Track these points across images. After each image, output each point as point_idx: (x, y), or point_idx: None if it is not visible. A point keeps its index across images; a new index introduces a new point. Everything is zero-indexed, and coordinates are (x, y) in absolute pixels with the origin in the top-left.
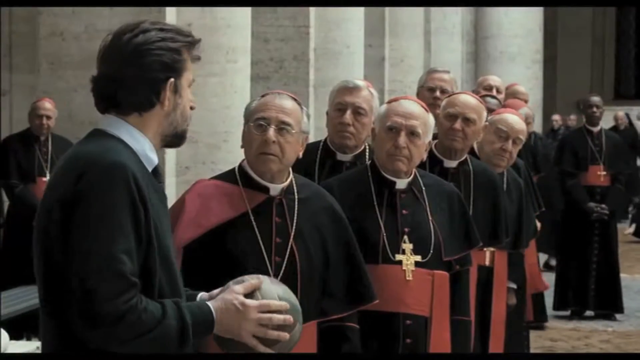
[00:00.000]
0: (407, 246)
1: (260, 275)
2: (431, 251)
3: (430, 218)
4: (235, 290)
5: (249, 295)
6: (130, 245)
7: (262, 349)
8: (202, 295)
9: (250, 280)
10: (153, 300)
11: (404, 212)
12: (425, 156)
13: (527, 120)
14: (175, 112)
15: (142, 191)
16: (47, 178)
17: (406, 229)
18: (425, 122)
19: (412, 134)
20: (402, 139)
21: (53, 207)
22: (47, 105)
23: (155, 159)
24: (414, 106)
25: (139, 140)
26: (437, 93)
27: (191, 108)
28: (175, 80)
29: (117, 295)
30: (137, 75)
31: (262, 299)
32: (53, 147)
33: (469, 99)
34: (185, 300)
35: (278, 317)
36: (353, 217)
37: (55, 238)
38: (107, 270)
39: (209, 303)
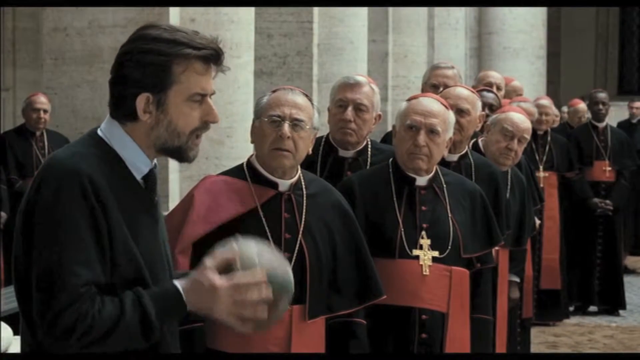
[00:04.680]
0: (425, 241)
1: (243, 242)
2: (449, 247)
3: (449, 215)
4: (207, 267)
5: (229, 267)
6: (83, 253)
7: (240, 327)
8: (176, 274)
9: (224, 253)
10: (114, 297)
11: (423, 208)
12: (446, 152)
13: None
14: (158, 127)
15: (100, 196)
16: None
17: (424, 225)
18: (445, 119)
19: (432, 132)
20: (422, 138)
21: (18, 213)
22: (43, 99)
23: (143, 169)
24: (433, 104)
25: (128, 148)
26: (441, 89)
27: (210, 122)
28: (153, 96)
29: (66, 307)
30: (115, 86)
31: (241, 269)
32: (49, 142)
33: (461, 91)
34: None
35: (253, 296)
36: (372, 213)
37: (18, 246)
38: (55, 284)
39: (177, 283)
